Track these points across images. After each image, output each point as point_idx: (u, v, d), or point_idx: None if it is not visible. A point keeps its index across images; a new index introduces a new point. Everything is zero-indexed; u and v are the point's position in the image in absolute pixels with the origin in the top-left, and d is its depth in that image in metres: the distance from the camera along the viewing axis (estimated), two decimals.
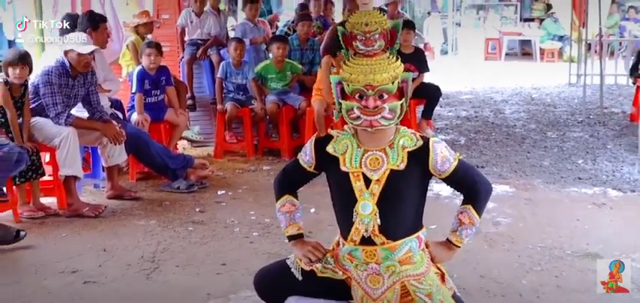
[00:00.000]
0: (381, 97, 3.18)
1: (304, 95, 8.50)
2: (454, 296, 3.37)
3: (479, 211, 3.38)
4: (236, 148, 8.61)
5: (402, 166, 3.25)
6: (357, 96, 3.21)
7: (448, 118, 10.97)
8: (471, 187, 3.39)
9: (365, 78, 3.18)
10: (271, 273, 3.61)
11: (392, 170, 3.26)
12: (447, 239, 3.42)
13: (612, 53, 16.11)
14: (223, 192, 7.03)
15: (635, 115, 9.65)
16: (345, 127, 3.40)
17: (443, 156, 3.28)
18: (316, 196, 6.75)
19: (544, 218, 6.04)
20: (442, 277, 3.41)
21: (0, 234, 5.47)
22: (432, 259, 3.40)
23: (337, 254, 3.45)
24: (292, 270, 3.50)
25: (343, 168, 3.32)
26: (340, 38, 3.32)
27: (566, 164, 7.92)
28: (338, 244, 3.48)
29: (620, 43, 16.93)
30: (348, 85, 3.22)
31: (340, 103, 3.29)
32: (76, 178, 6.41)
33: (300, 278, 3.47)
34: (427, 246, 3.41)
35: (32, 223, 6.06)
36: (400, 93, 3.26)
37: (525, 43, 20.54)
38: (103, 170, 7.04)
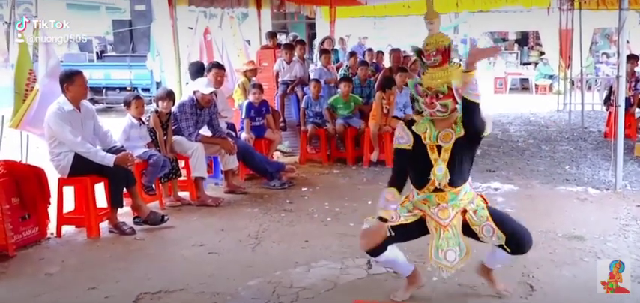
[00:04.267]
0: (437, 96, 3.40)
1: (363, 120, 8.43)
2: (490, 209, 3.54)
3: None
4: (315, 157, 8.56)
5: (462, 133, 3.42)
6: (425, 94, 3.44)
7: None
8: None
9: (427, 82, 3.45)
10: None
11: (457, 139, 3.43)
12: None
13: (590, 87, 15.59)
14: (306, 189, 7.00)
15: (608, 133, 9.29)
16: (424, 114, 3.53)
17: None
18: (372, 191, 6.73)
19: (541, 209, 5.86)
20: (485, 202, 3.60)
21: (151, 218, 5.56)
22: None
23: (412, 201, 3.60)
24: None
25: (424, 142, 3.49)
26: (417, 55, 3.58)
27: (556, 169, 7.66)
28: (408, 196, 3.63)
29: (596, 80, 16.43)
30: (420, 86, 3.48)
31: (417, 98, 3.51)
32: (202, 178, 6.48)
33: (393, 234, 3.52)
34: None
35: (172, 210, 6.14)
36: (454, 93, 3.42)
37: (524, 80, 20.05)
38: (221, 173, 7.10)
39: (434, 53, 3.44)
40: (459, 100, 3.38)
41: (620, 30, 6.41)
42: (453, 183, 3.46)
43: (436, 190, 3.47)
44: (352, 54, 10.82)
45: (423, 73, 3.52)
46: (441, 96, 3.38)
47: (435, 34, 3.51)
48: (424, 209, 3.55)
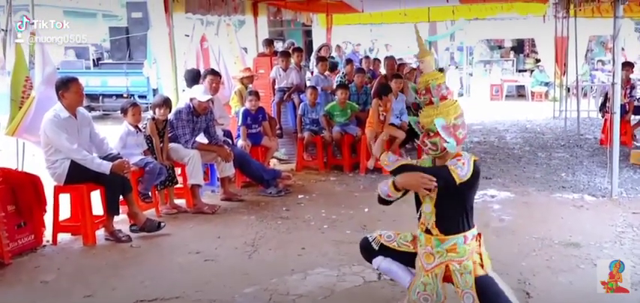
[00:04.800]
0: (428, 134, 3.33)
1: (360, 127, 8.44)
2: (478, 279, 3.27)
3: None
4: (311, 164, 8.56)
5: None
6: (420, 132, 3.42)
7: (464, 143, 10.73)
8: None
9: (421, 121, 3.39)
10: (366, 243, 3.65)
11: None
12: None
13: (585, 94, 15.64)
14: (302, 196, 6.99)
15: (604, 140, 9.31)
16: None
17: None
18: (369, 198, 6.73)
19: (537, 216, 5.87)
20: (481, 265, 3.38)
21: (147, 225, 5.55)
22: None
23: (416, 236, 3.54)
24: (372, 244, 3.60)
25: None
26: (414, 93, 3.48)
27: (552, 176, 7.66)
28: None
29: (591, 87, 16.48)
30: (420, 124, 3.42)
31: (419, 134, 3.44)
32: (199, 185, 6.47)
33: (377, 248, 3.57)
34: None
35: (169, 218, 6.12)
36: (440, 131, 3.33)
37: (520, 87, 20.10)
38: (218, 180, 7.09)
39: (424, 92, 3.42)
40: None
41: (615, 37, 6.44)
42: (441, 228, 3.34)
43: (426, 231, 3.39)
44: (348, 61, 10.84)
45: (421, 110, 3.48)
46: (431, 134, 3.32)
47: (425, 73, 3.48)
48: (417, 247, 3.49)
